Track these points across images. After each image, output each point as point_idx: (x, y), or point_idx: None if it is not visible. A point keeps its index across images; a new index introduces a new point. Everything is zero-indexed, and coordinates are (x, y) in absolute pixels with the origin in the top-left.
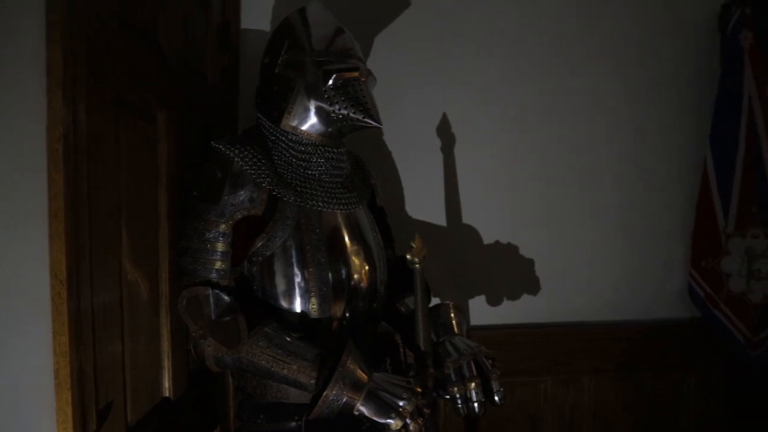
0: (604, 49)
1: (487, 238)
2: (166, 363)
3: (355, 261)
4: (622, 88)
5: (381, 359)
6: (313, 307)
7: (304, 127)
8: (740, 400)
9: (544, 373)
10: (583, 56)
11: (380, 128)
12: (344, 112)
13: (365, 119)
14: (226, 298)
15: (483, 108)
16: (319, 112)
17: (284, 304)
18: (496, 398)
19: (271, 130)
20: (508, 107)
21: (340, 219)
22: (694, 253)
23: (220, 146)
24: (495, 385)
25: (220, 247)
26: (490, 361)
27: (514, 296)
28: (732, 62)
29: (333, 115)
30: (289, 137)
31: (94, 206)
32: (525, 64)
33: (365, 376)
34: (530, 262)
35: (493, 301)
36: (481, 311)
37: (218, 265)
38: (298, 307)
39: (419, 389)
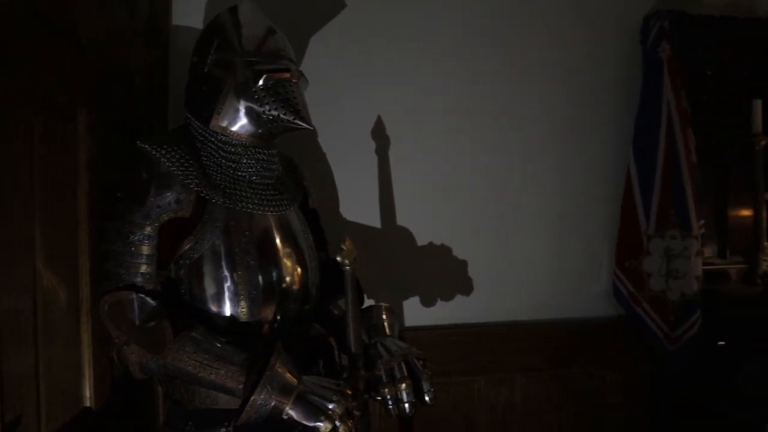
0: (533, 57)
1: (421, 240)
2: (87, 371)
3: (287, 263)
4: (551, 95)
5: (314, 362)
6: (243, 310)
7: (234, 128)
8: (661, 393)
9: (477, 373)
10: (514, 64)
11: (314, 130)
12: (274, 113)
13: (296, 121)
14: (151, 302)
15: (418, 111)
16: (249, 113)
17: (213, 307)
18: (427, 398)
19: (200, 131)
20: (443, 111)
21: (271, 221)
22: (619, 254)
23: (146, 146)
24: (425, 386)
25: (145, 250)
26: (421, 362)
27: (447, 297)
28: (652, 73)
29: (263, 116)
30: (219, 138)
31: (4, 208)
32: (460, 70)
33: (294, 380)
34: (463, 264)
35: (427, 302)
36: (415, 312)
37: (143, 268)
38: (227, 310)
39: (349, 391)
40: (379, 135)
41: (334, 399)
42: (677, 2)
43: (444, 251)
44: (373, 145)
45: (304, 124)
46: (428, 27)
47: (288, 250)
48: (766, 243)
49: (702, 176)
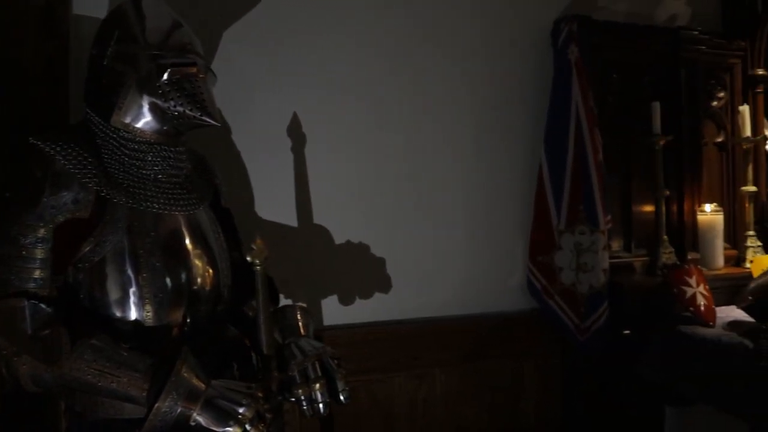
0: (451, 56)
1: (338, 238)
2: None
3: (197, 264)
4: (467, 94)
5: (228, 365)
6: (148, 314)
7: (138, 125)
8: (573, 382)
9: (397, 369)
10: (431, 63)
11: (228, 127)
12: (180, 109)
13: (202, 117)
14: (45, 309)
15: (334, 108)
16: (153, 108)
17: (116, 312)
18: (342, 398)
19: (100, 127)
20: (360, 108)
21: (180, 221)
22: (532, 249)
23: (39, 143)
24: (340, 385)
25: (38, 253)
26: (335, 361)
27: (365, 295)
28: (562, 73)
29: (168, 112)
30: (121, 134)
31: None
32: (376, 68)
33: (202, 385)
34: (381, 261)
35: (346, 300)
36: (333, 311)
37: (37, 273)
38: (131, 315)
39: (260, 394)
40: (295, 132)
41: (244, 402)
42: (585, 8)
43: (361, 249)
44: (288, 142)
45: (211, 121)
46: (346, 23)
47: (198, 250)
48: (665, 237)
49: (608, 174)
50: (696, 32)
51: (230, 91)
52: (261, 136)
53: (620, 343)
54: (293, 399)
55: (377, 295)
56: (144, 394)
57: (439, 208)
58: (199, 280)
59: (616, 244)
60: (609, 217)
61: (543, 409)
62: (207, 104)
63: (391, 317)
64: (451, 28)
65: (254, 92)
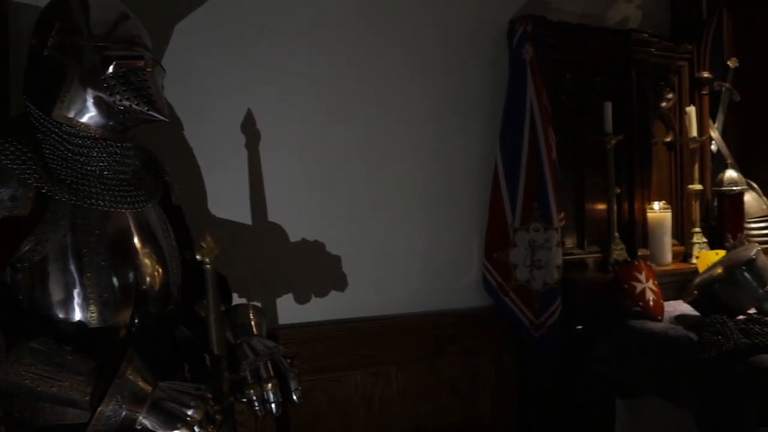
0: (407, 54)
1: (294, 236)
2: None
3: (146, 263)
4: (425, 93)
5: (179, 366)
6: (93, 315)
7: (83, 119)
8: (528, 376)
9: (353, 367)
10: (388, 59)
11: (180, 122)
12: (126, 103)
13: (149, 112)
14: None
15: (289, 104)
16: (98, 102)
17: (59, 314)
18: (294, 397)
19: (41, 121)
20: (315, 105)
21: (128, 219)
22: (487, 246)
23: None
24: (293, 384)
25: None
26: (288, 360)
27: (321, 293)
28: (517, 72)
29: (114, 106)
30: (63, 129)
31: None
32: (333, 65)
33: (148, 387)
34: (337, 259)
35: (301, 299)
36: (289, 310)
37: None
38: (75, 316)
39: (210, 395)
40: (249, 129)
41: (193, 404)
42: (540, 8)
43: (317, 247)
44: (243, 138)
45: (159, 116)
46: (301, 18)
47: (147, 249)
48: (616, 234)
49: (562, 172)
50: (646, 35)
51: (183, 85)
52: (214, 133)
53: (573, 338)
54: (245, 399)
55: (333, 294)
56: (87, 398)
57: (395, 206)
58: (147, 279)
59: (570, 241)
60: (562, 215)
61: (499, 404)
62: (155, 99)
63: (347, 315)
64: (407, 27)
65: (208, 87)
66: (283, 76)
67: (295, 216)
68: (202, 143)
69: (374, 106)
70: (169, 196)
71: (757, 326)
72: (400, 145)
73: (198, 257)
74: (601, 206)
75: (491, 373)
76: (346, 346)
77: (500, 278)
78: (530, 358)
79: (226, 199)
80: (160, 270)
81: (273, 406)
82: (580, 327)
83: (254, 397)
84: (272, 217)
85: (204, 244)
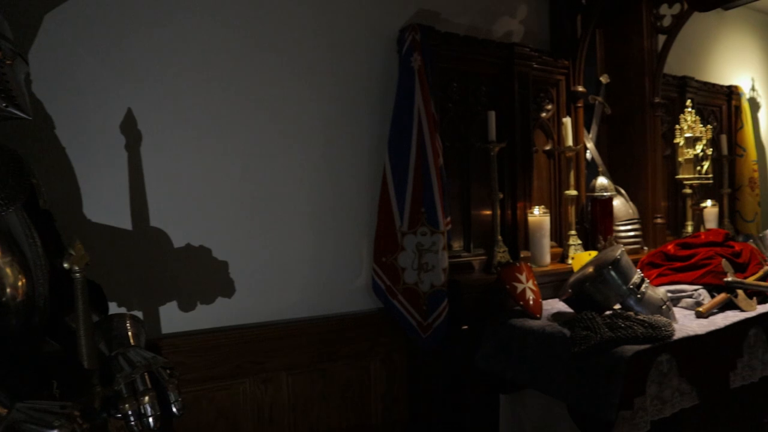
0: (296, 58)
1: (178, 241)
2: None
3: (7, 273)
4: (314, 99)
5: (46, 383)
6: None
7: None
8: (417, 376)
9: (242, 375)
10: (276, 65)
11: (51, 121)
12: None
13: (8, 108)
14: None
15: (175, 105)
16: None
17: None
18: (174, 409)
19: None
20: (202, 107)
21: None
22: (377, 250)
23: None
24: (172, 396)
25: None
26: (168, 371)
27: (208, 300)
28: (406, 80)
29: None
30: None
31: None
32: (220, 69)
33: (3, 410)
34: (224, 265)
35: (186, 306)
36: (173, 318)
37: None
38: None
39: (77, 413)
40: (130, 129)
41: (56, 424)
42: (429, 19)
43: (203, 252)
44: (122, 139)
45: (20, 113)
46: (184, 19)
47: (8, 257)
48: (499, 237)
49: (449, 178)
50: (528, 49)
51: (54, 81)
52: (91, 132)
53: (460, 338)
54: (119, 415)
55: (220, 300)
56: None
57: (284, 211)
58: (8, 290)
59: (457, 245)
60: (449, 219)
61: (390, 405)
62: (15, 94)
63: (236, 322)
64: (295, 32)
65: (83, 84)
66: (170, 76)
67: (180, 221)
68: (76, 144)
69: (263, 112)
70: (35, 199)
71: (621, 320)
72: (287, 151)
73: (66, 265)
74: (486, 211)
75: (382, 374)
76: (233, 354)
77: (389, 281)
78: (420, 359)
79: (104, 204)
80: (24, 280)
81: (151, 420)
82: (466, 327)
83: (129, 412)
84: (155, 222)
85: (73, 252)
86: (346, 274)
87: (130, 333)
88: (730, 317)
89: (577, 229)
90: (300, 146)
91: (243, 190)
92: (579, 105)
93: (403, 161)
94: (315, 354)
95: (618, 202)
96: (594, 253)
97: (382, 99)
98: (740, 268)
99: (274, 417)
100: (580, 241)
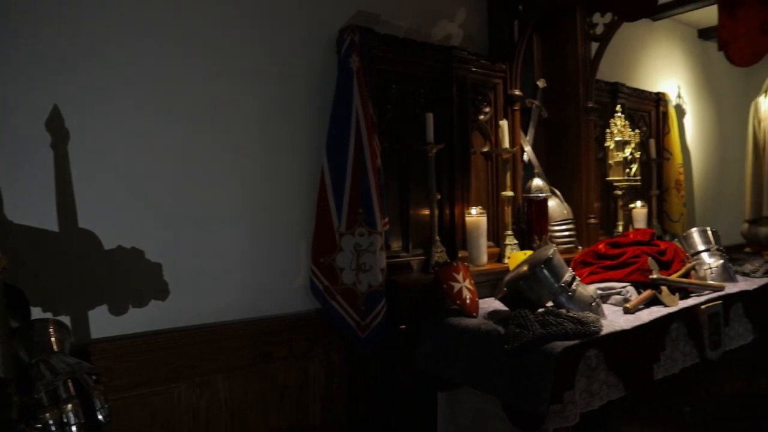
0: (234, 56)
1: (109, 244)
2: None
3: None
4: (251, 96)
5: None
6: None
7: None
8: (356, 376)
9: (176, 380)
10: (214, 64)
11: None
12: None
13: None
14: None
15: (105, 102)
16: None
17: None
18: (100, 417)
19: None
20: (134, 105)
21: None
22: (315, 251)
23: None
24: (97, 403)
25: None
26: (93, 377)
27: (140, 303)
28: (344, 81)
29: None
30: None
31: None
32: (152, 68)
33: None
34: (157, 267)
35: (117, 310)
36: (103, 322)
37: None
38: None
39: None
40: (56, 127)
41: None
42: (369, 20)
43: (135, 254)
44: (48, 138)
45: None
46: (124, 16)
47: None
48: (437, 237)
49: (387, 179)
50: (466, 53)
51: None
52: (10, 129)
53: (398, 338)
54: (39, 425)
55: (153, 303)
56: None
57: (219, 211)
58: None
59: (396, 245)
60: (386, 219)
61: (329, 406)
62: None
63: (168, 325)
64: (232, 31)
65: (3, 78)
66: (101, 71)
67: (110, 221)
68: None
69: (199, 110)
70: None
71: (552, 317)
72: (225, 150)
73: None
74: (425, 211)
75: (320, 375)
76: (167, 358)
77: (327, 282)
78: (358, 359)
79: (28, 204)
80: None
81: (74, 428)
82: (404, 327)
83: (51, 422)
84: (84, 222)
85: None
86: (283, 275)
87: (53, 339)
88: (655, 312)
89: (513, 230)
90: (236, 147)
91: (177, 190)
92: (516, 108)
93: (341, 162)
94: (252, 356)
95: (553, 203)
96: (530, 253)
97: (321, 99)
98: (665, 266)
99: (211, 420)
100: (516, 241)
